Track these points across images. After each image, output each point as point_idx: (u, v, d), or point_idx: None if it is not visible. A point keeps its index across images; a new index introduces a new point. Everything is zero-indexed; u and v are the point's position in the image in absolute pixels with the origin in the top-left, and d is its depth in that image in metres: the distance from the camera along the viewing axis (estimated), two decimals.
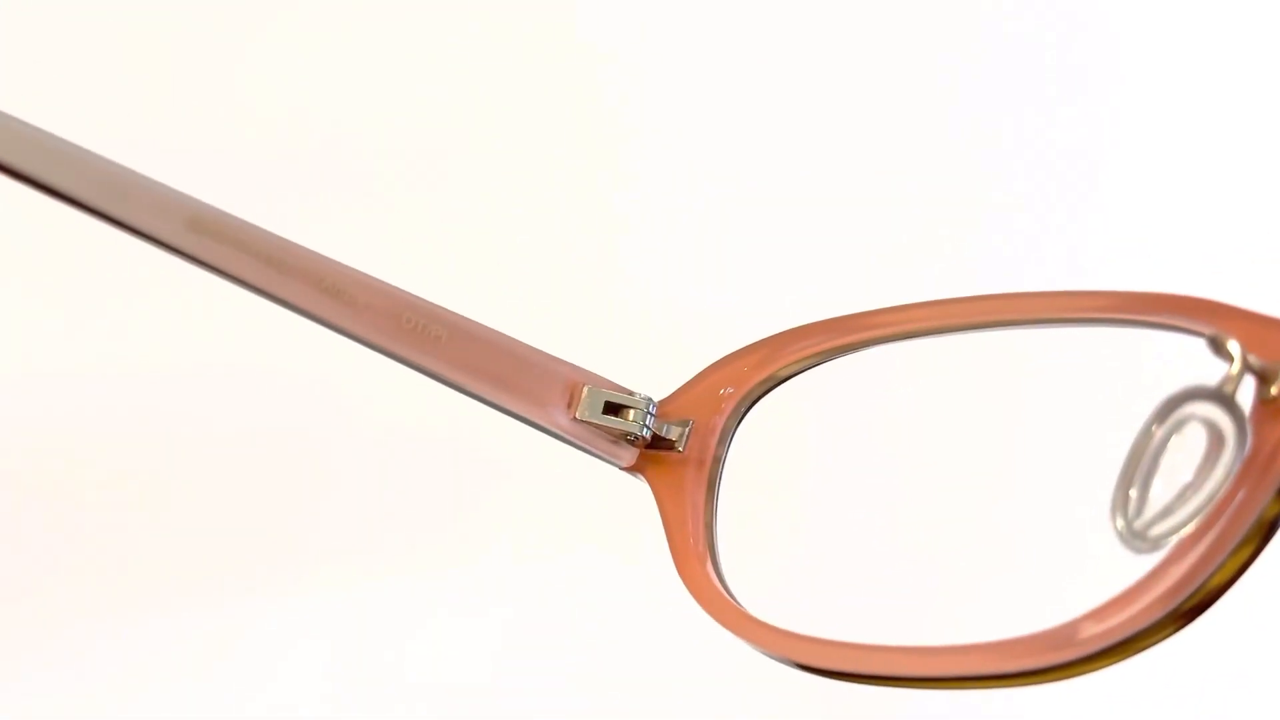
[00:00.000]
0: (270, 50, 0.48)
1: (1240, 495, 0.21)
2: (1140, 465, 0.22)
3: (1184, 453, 0.22)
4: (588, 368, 0.28)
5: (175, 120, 0.46)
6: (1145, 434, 0.22)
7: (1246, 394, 0.22)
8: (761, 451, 0.28)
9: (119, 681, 0.43)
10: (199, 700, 0.43)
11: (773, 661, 0.25)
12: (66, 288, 0.45)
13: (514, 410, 0.27)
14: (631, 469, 0.28)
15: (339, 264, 0.26)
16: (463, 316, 0.27)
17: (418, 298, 0.27)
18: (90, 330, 0.45)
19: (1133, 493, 0.22)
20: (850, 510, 0.42)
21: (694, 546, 0.27)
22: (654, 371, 0.29)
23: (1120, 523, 0.22)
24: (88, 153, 0.25)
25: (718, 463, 0.28)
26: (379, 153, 0.47)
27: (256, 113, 0.47)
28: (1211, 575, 0.21)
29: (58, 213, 0.25)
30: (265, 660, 0.43)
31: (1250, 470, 0.22)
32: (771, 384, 0.28)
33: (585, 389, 0.27)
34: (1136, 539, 0.22)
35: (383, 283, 0.27)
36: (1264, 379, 0.22)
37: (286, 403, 0.45)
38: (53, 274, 0.45)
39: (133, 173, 0.25)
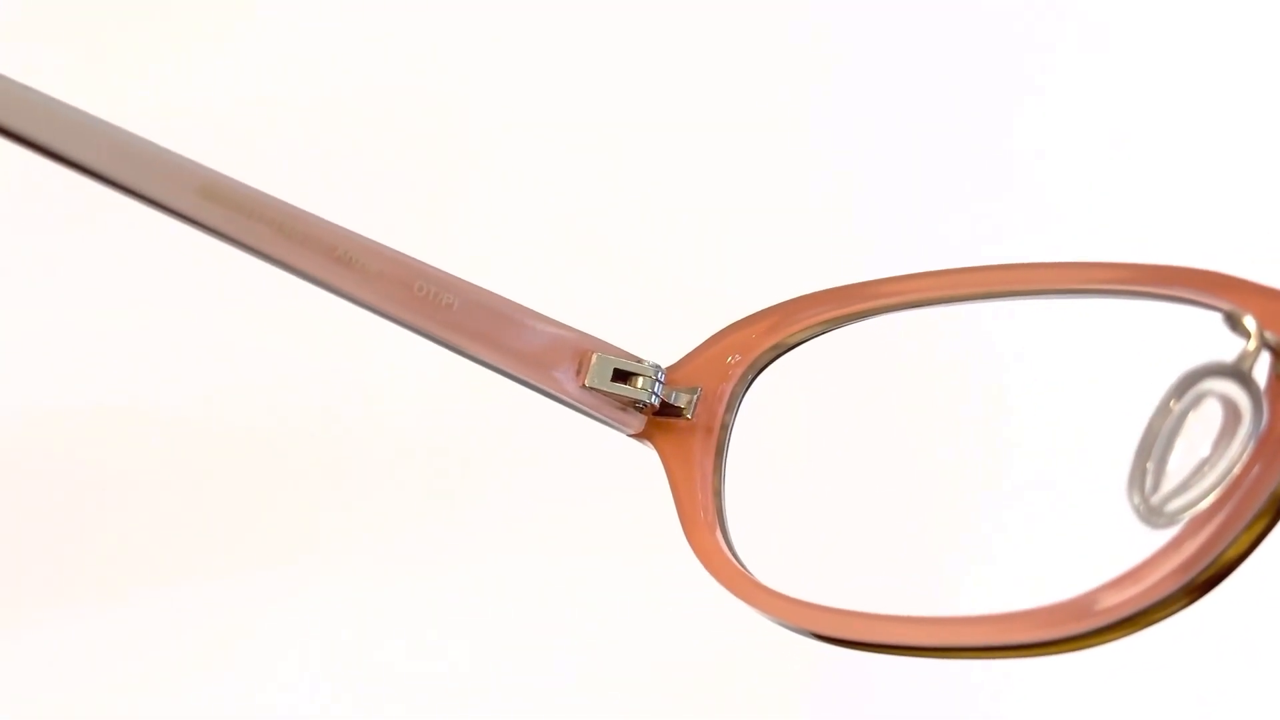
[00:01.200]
0: (278, 22, 0.47)
1: (1255, 470, 0.22)
2: (1157, 441, 0.22)
3: (1200, 428, 0.22)
4: (596, 334, 0.28)
5: (190, 90, 0.46)
6: (1162, 410, 0.22)
7: (1262, 370, 0.22)
8: (770, 418, 0.28)
9: (118, 681, 0.42)
10: (198, 700, 0.42)
11: (788, 632, 0.25)
12: (73, 257, 0.45)
13: (523, 377, 0.27)
14: (639, 436, 0.28)
15: (351, 232, 0.26)
16: (473, 284, 0.27)
17: (429, 266, 0.27)
18: (93, 310, 0.45)
19: (1149, 468, 0.22)
20: (860, 480, 0.42)
21: (703, 514, 0.27)
22: (662, 338, 0.28)
23: (1137, 498, 0.22)
24: (99, 120, 0.25)
25: (725, 430, 0.28)
26: (389, 123, 0.46)
27: (265, 86, 0.46)
28: (1226, 549, 0.22)
29: (67, 180, 0.25)
30: (264, 660, 0.43)
31: (1266, 446, 0.22)
32: (779, 351, 0.28)
33: (594, 356, 0.27)
34: (1153, 515, 0.22)
35: (394, 251, 0.27)
36: None
37: (282, 401, 0.44)
38: (59, 242, 0.45)
39: (145, 140, 0.25)
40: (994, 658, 0.23)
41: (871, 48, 0.47)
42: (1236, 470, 0.22)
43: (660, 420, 0.28)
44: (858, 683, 0.42)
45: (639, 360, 0.28)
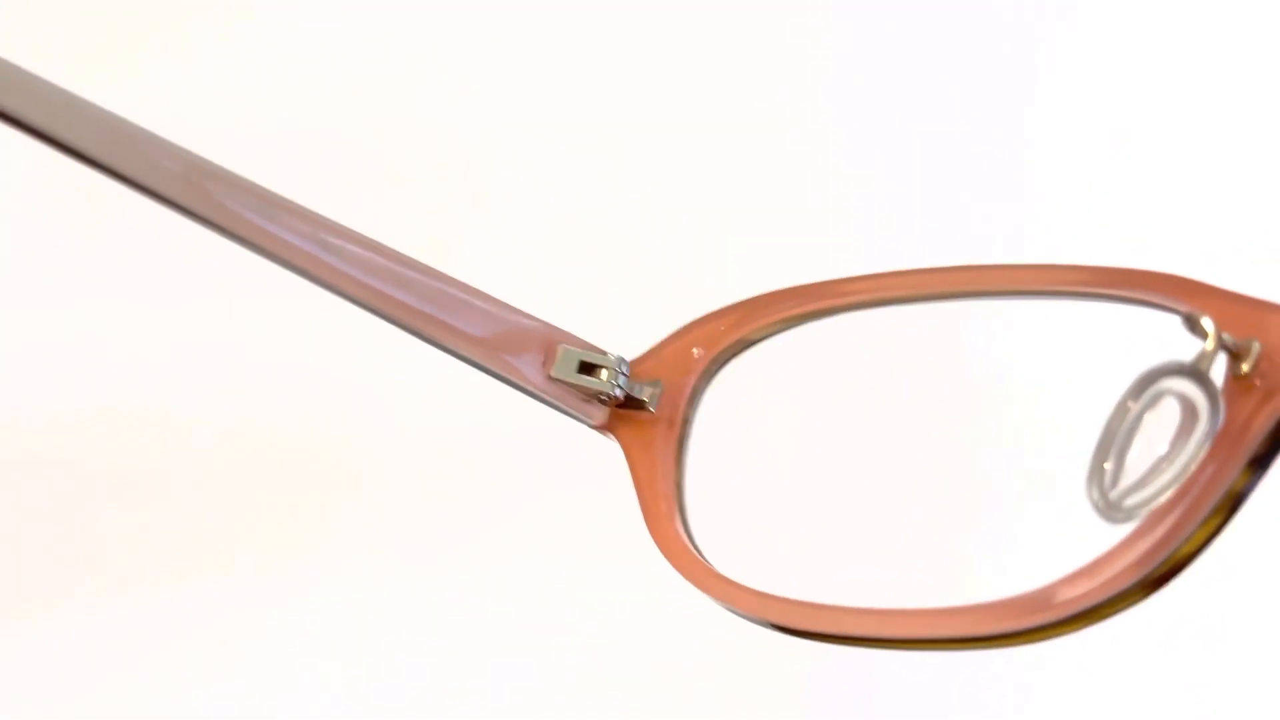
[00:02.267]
0: (277, 19, 0.47)
1: (1211, 468, 0.22)
2: (1115, 438, 0.22)
3: (1158, 426, 0.23)
4: (561, 326, 0.28)
5: (186, 88, 0.46)
6: (1121, 408, 0.22)
7: (1219, 370, 0.23)
8: (732, 413, 0.29)
9: (118, 681, 0.42)
10: (199, 701, 0.42)
11: (747, 623, 0.25)
12: (70, 257, 0.45)
13: (490, 367, 0.27)
14: (602, 428, 0.28)
15: (328, 220, 0.26)
16: (443, 273, 0.27)
17: (403, 254, 0.27)
18: (93, 309, 0.44)
19: (1108, 465, 0.22)
20: (820, 475, 0.43)
21: (664, 506, 0.27)
22: (626, 331, 0.29)
23: (1095, 494, 0.22)
24: (86, 101, 0.25)
25: (687, 423, 0.28)
26: (363, 119, 0.46)
27: (262, 83, 0.46)
28: (1181, 545, 0.22)
29: (51, 160, 0.25)
30: (262, 661, 0.43)
31: (1221, 444, 0.22)
32: (743, 346, 0.28)
33: (560, 347, 0.28)
34: (1111, 510, 0.22)
35: (371, 239, 0.27)
36: (1236, 356, 0.23)
37: (281, 401, 0.44)
38: (55, 242, 0.44)
39: (130, 123, 0.25)
40: (952, 649, 0.24)
41: (856, 44, 0.48)
42: (1193, 467, 0.22)
43: (623, 413, 0.28)
44: (851, 682, 0.43)
45: (604, 353, 0.28)
